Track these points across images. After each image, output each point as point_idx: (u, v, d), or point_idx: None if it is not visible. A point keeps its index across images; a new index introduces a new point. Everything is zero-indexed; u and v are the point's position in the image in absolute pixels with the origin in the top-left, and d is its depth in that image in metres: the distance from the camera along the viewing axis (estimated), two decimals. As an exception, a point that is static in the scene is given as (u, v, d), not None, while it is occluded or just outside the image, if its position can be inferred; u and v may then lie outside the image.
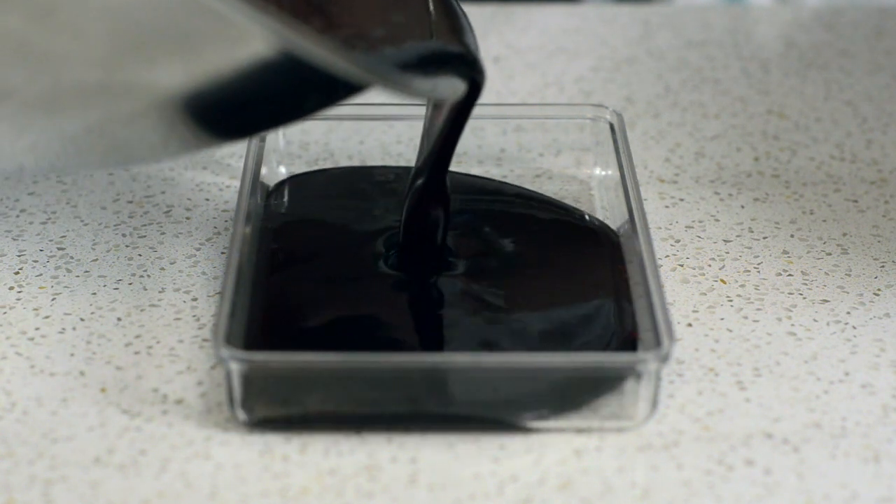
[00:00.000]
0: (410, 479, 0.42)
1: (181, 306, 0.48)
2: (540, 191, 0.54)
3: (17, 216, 0.53)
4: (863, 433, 0.44)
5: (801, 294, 0.49)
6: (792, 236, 0.53)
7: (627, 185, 0.50)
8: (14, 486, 0.41)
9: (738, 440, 0.43)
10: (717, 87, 0.63)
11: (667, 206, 0.54)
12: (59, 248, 0.51)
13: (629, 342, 0.45)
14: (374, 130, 0.58)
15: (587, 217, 0.52)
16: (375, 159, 0.57)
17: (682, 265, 0.51)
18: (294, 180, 0.54)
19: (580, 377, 0.44)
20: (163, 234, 0.52)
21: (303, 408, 0.44)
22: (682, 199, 0.55)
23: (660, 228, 0.53)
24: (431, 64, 0.44)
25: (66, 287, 0.49)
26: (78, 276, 0.50)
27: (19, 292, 0.49)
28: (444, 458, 0.43)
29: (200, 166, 0.56)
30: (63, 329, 0.47)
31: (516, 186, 0.55)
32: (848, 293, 0.50)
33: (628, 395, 0.43)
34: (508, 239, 0.50)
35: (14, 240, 0.52)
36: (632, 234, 0.48)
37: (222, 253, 0.51)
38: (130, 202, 0.54)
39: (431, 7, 0.46)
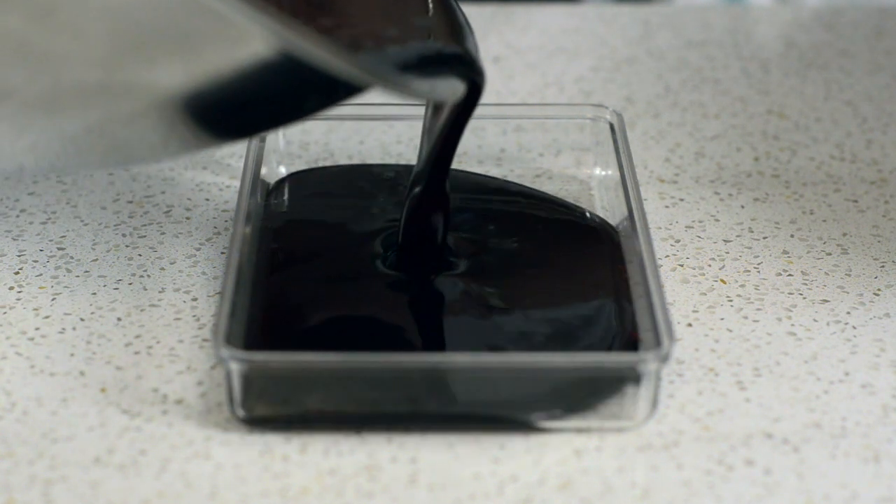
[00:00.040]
0: (410, 479, 0.42)
1: (181, 306, 0.48)
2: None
3: (17, 216, 0.53)
4: (863, 433, 0.44)
5: (801, 294, 0.49)
6: (792, 236, 0.53)
7: (627, 185, 0.50)
8: (14, 486, 0.41)
9: (738, 440, 0.43)
10: (717, 87, 0.63)
11: (667, 206, 0.54)
12: (59, 248, 0.51)
13: (631, 344, 0.45)
14: (374, 130, 0.58)
15: (588, 214, 0.52)
16: (375, 159, 0.57)
17: (682, 265, 0.51)
18: (294, 177, 0.54)
19: (583, 378, 0.44)
20: (163, 234, 0.52)
21: (303, 408, 0.44)
22: (682, 199, 0.55)
23: (660, 228, 0.53)
24: (430, 65, 0.44)
25: (66, 287, 0.49)
26: (78, 276, 0.50)
27: (19, 292, 0.49)
28: (444, 458, 0.43)
29: (200, 166, 0.56)
30: (63, 329, 0.47)
31: (516, 184, 0.55)
32: (848, 293, 0.50)
33: (628, 395, 0.43)
34: (509, 238, 0.50)
35: (14, 240, 0.52)
36: (632, 234, 0.48)
37: (222, 253, 0.51)
38: (130, 202, 0.54)
39: (431, 8, 0.46)
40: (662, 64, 0.65)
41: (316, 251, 0.50)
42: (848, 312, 0.49)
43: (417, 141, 0.49)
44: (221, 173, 0.56)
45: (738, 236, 0.52)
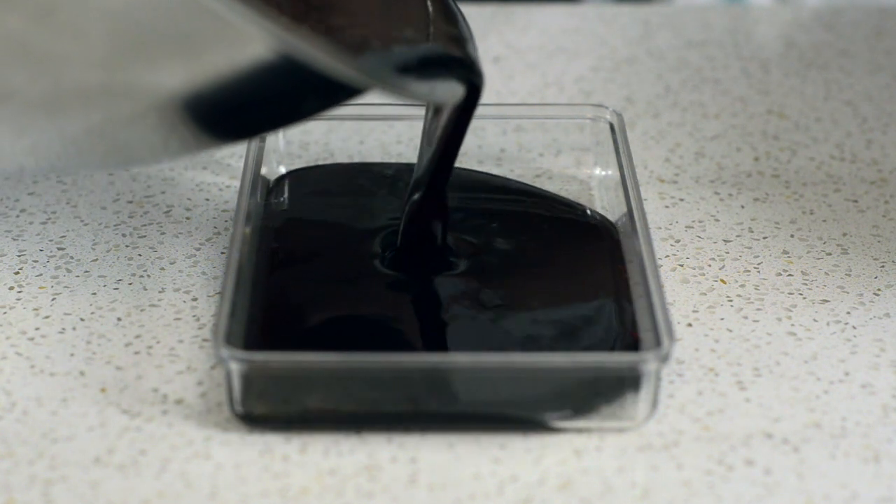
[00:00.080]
0: (410, 479, 0.42)
1: (181, 306, 0.48)
2: (540, 191, 0.54)
3: (17, 216, 0.53)
4: (863, 433, 0.44)
5: (801, 294, 0.49)
6: (792, 236, 0.53)
7: (627, 185, 0.50)
8: (14, 486, 0.41)
9: (738, 440, 0.43)
10: (717, 87, 0.63)
11: (667, 206, 0.54)
12: (59, 248, 0.51)
13: (631, 344, 0.45)
14: (374, 130, 0.58)
15: (589, 212, 0.52)
16: (375, 159, 0.57)
17: (682, 265, 0.51)
18: (293, 175, 0.54)
19: (584, 378, 0.44)
20: (163, 234, 0.52)
21: (303, 408, 0.44)
22: (682, 199, 0.55)
23: (660, 228, 0.53)
24: (429, 67, 0.44)
25: (66, 287, 0.49)
26: (78, 276, 0.50)
27: (19, 292, 0.49)
28: (444, 458, 0.43)
29: (200, 166, 0.56)
30: (63, 329, 0.47)
31: (515, 181, 0.55)
32: (848, 293, 0.50)
33: (628, 395, 0.43)
34: (508, 237, 0.50)
35: (14, 240, 0.52)
36: (632, 234, 0.48)
37: (222, 253, 0.51)
38: (130, 202, 0.54)
39: (430, 10, 0.46)
40: (662, 64, 0.65)
41: (316, 250, 0.50)
42: (848, 312, 0.49)
43: (417, 141, 0.49)
44: (221, 173, 0.56)
45: (738, 236, 0.52)
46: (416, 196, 0.48)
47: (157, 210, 0.53)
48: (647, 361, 0.43)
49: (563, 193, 0.54)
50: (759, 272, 0.51)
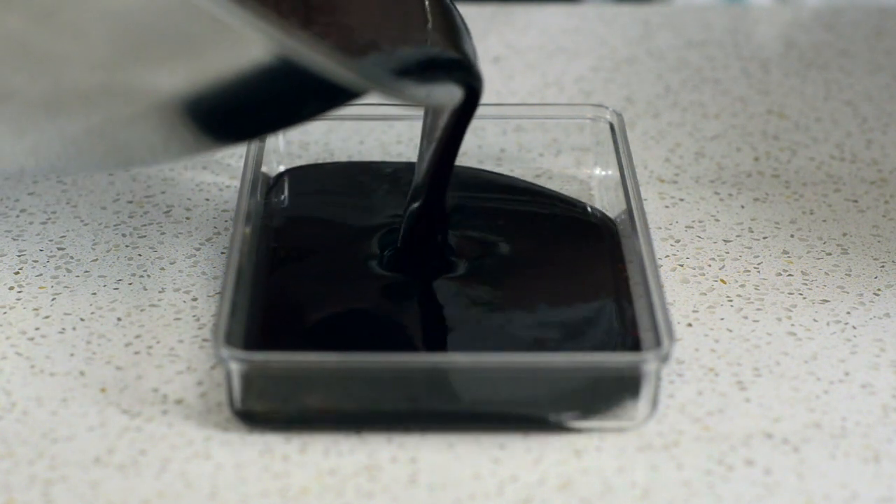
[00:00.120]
0: (410, 479, 0.42)
1: (181, 306, 0.48)
2: (540, 191, 0.54)
3: (17, 216, 0.53)
4: (863, 433, 0.44)
5: (801, 294, 0.49)
6: (792, 236, 0.53)
7: (627, 185, 0.50)
8: (14, 486, 0.41)
9: (738, 440, 0.43)
10: (717, 87, 0.63)
11: (667, 206, 0.54)
12: (59, 248, 0.51)
13: (631, 344, 0.45)
14: (374, 130, 0.58)
15: (589, 209, 0.52)
16: (375, 159, 0.57)
17: (682, 265, 0.51)
18: (293, 173, 0.54)
19: (584, 378, 0.44)
20: (163, 234, 0.52)
21: (303, 407, 0.44)
22: (682, 199, 0.55)
23: (660, 228, 0.53)
24: (428, 70, 0.44)
25: (66, 287, 0.49)
26: (78, 276, 0.50)
27: (19, 292, 0.49)
28: (444, 458, 0.43)
29: (200, 166, 0.56)
30: (63, 329, 0.47)
31: (514, 178, 0.55)
32: (848, 293, 0.50)
33: (628, 395, 0.43)
34: (509, 236, 0.50)
35: (14, 240, 0.52)
36: (632, 234, 0.48)
37: (222, 253, 0.51)
38: (130, 202, 0.54)
39: (429, 13, 0.46)
40: (662, 64, 0.65)
41: (316, 250, 0.50)
42: (848, 312, 0.49)
43: (417, 141, 0.49)
44: (221, 173, 0.56)
45: (738, 236, 0.52)
46: (416, 198, 0.48)
47: (157, 210, 0.53)
48: (647, 361, 0.43)
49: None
50: (759, 272, 0.51)
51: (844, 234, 0.53)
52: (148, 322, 0.48)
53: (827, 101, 0.62)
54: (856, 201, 0.55)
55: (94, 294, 0.49)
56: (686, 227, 0.53)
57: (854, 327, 0.48)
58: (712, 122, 0.60)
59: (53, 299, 0.49)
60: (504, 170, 0.56)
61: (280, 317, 0.47)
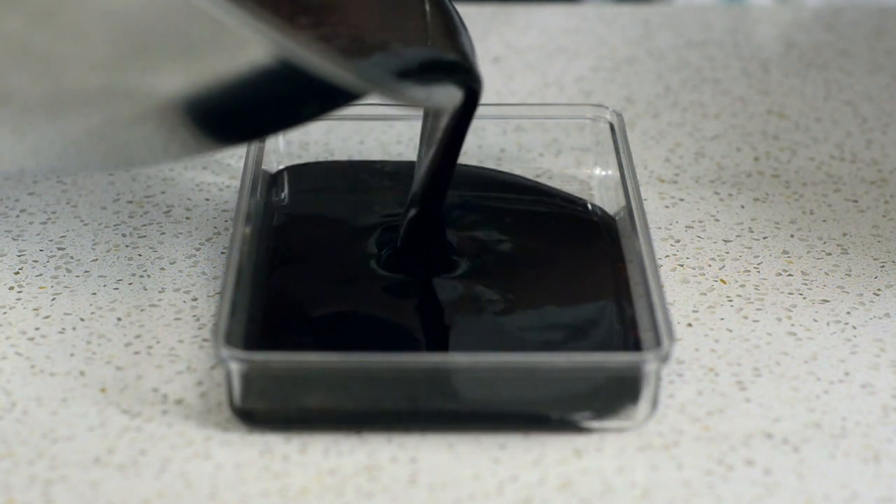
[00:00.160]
0: (410, 479, 0.42)
1: (181, 306, 0.48)
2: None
3: (17, 216, 0.53)
4: (863, 433, 0.44)
5: (801, 294, 0.49)
6: (792, 236, 0.53)
7: (627, 185, 0.50)
8: (14, 486, 0.41)
9: (738, 440, 0.43)
10: (717, 87, 0.63)
11: (667, 206, 0.54)
12: (59, 248, 0.51)
13: (632, 344, 0.45)
14: (374, 130, 0.58)
15: (590, 206, 0.52)
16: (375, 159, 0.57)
17: (682, 265, 0.51)
18: (292, 171, 0.54)
19: (584, 378, 0.44)
20: (163, 234, 0.52)
21: (303, 407, 0.44)
22: (682, 199, 0.55)
23: (660, 228, 0.53)
24: (428, 72, 0.44)
25: (66, 287, 0.49)
26: (78, 276, 0.50)
27: (19, 292, 0.49)
28: (444, 458, 0.43)
29: (200, 166, 0.56)
30: (63, 329, 0.47)
31: (514, 175, 0.55)
32: (848, 293, 0.50)
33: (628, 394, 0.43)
34: (509, 235, 0.50)
35: (14, 240, 0.52)
36: (632, 234, 0.48)
37: (222, 253, 0.51)
38: (130, 202, 0.54)
39: (428, 15, 0.46)
40: (662, 64, 0.65)
41: (316, 249, 0.50)
42: (848, 312, 0.49)
43: (417, 141, 0.49)
44: (221, 173, 0.56)
45: (738, 236, 0.52)
46: (416, 200, 0.48)
47: (157, 210, 0.53)
48: (647, 361, 0.43)
49: (562, 193, 0.54)
50: (759, 272, 0.51)
51: (844, 234, 0.53)
52: (148, 322, 0.48)
53: (827, 101, 0.62)
54: (856, 201, 0.55)
55: (94, 294, 0.49)
56: (686, 227, 0.53)
57: (854, 327, 0.48)
58: (712, 122, 0.60)
59: (53, 299, 0.49)
60: (504, 170, 0.56)
61: (280, 317, 0.47)
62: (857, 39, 0.67)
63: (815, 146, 0.59)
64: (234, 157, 0.56)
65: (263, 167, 0.52)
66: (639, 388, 0.43)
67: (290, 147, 0.56)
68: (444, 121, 0.46)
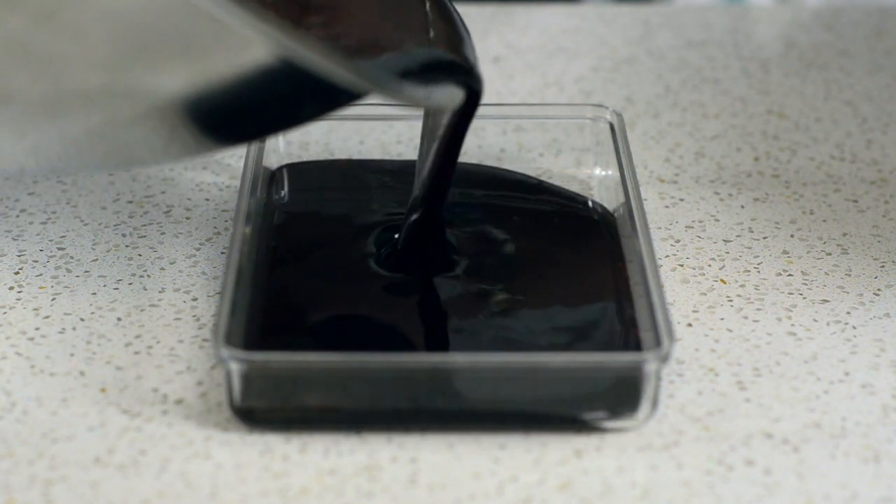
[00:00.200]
0: (410, 479, 0.42)
1: (181, 306, 0.48)
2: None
3: (17, 216, 0.53)
4: (863, 433, 0.44)
5: (801, 294, 0.49)
6: (792, 236, 0.53)
7: (627, 185, 0.50)
8: (14, 486, 0.41)
9: (738, 440, 0.43)
10: (717, 87, 0.63)
11: (667, 206, 0.54)
12: (59, 248, 0.51)
13: (632, 343, 0.45)
14: (374, 130, 0.58)
15: (590, 204, 0.52)
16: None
17: (682, 265, 0.51)
18: (292, 169, 0.54)
19: (584, 378, 0.44)
20: (163, 234, 0.52)
21: (303, 407, 0.44)
22: (682, 199, 0.55)
23: (660, 228, 0.53)
24: (429, 72, 0.44)
25: (66, 287, 0.49)
26: (78, 276, 0.50)
27: (19, 292, 0.49)
28: (444, 458, 0.43)
29: (200, 166, 0.56)
30: (63, 329, 0.47)
31: (514, 172, 0.55)
32: (848, 293, 0.50)
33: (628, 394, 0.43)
34: (509, 234, 0.50)
35: (14, 240, 0.52)
36: (632, 234, 0.48)
37: (222, 253, 0.51)
38: (130, 202, 0.54)
39: (429, 15, 0.46)
40: (662, 64, 0.65)
41: (316, 248, 0.50)
42: (848, 312, 0.49)
43: (417, 141, 0.49)
44: (221, 173, 0.56)
45: (738, 236, 0.52)
46: (417, 199, 0.48)
47: (157, 210, 0.53)
48: (647, 361, 0.43)
49: (563, 193, 0.54)
50: (759, 272, 0.51)
51: (844, 234, 0.53)
52: (148, 322, 0.48)
53: (827, 101, 0.62)
54: (856, 201, 0.55)
55: (94, 294, 0.49)
56: (686, 227, 0.53)
57: (854, 327, 0.48)
58: (712, 122, 0.60)
59: (53, 299, 0.49)
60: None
61: (280, 317, 0.47)
62: (857, 39, 0.67)
63: (815, 146, 0.59)
64: (234, 157, 0.56)
65: (263, 166, 0.52)
66: (639, 388, 0.43)
67: (290, 147, 0.56)
68: (444, 120, 0.46)
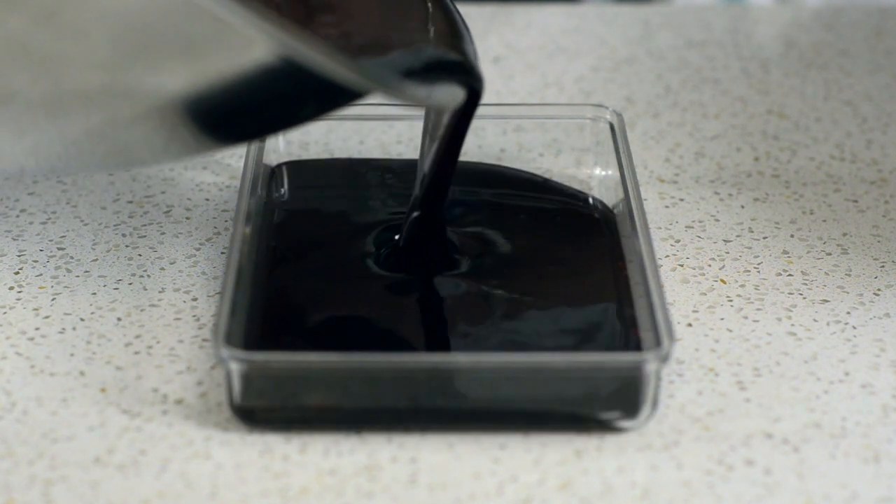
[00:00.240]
0: (410, 479, 0.42)
1: (181, 306, 0.48)
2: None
3: (17, 216, 0.53)
4: (863, 433, 0.44)
5: (801, 294, 0.49)
6: (792, 236, 0.53)
7: (627, 185, 0.50)
8: (14, 486, 0.41)
9: (738, 440, 0.43)
10: (717, 87, 0.63)
11: (667, 206, 0.54)
12: (59, 248, 0.51)
13: (632, 343, 0.45)
14: (374, 130, 0.58)
15: (591, 201, 0.52)
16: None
17: (682, 265, 0.51)
18: (291, 167, 0.54)
19: (583, 378, 0.44)
20: (163, 234, 0.52)
21: (303, 407, 0.44)
22: (682, 199, 0.55)
23: (660, 228, 0.53)
24: (430, 71, 0.44)
25: (66, 287, 0.49)
26: (78, 276, 0.50)
27: (19, 292, 0.49)
28: (444, 458, 0.43)
29: (200, 166, 0.56)
30: (63, 329, 0.47)
31: (514, 170, 0.55)
32: (848, 293, 0.50)
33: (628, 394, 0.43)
34: (509, 233, 0.50)
35: (14, 240, 0.52)
36: (632, 234, 0.48)
37: (222, 253, 0.51)
38: (130, 202, 0.54)
39: (430, 14, 0.46)
40: (662, 64, 0.65)
41: (316, 248, 0.50)
42: (848, 312, 0.49)
43: (417, 141, 0.49)
44: (221, 173, 0.56)
45: (738, 236, 0.52)
46: (419, 198, 0.48)
47: (157, 210, 0.53)
48: (647, 361, 0.43)
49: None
50: (759, 272, 0.51)
51: (844, 234, 0.53)
52: (148, 322, 0.48)
53: (827, 101, 0.62)
54: (856, 201, 0.55)
55: (94, 294, 0.49)
56: (686, 227, 0.53)
57: (854, 327, 0.48)
58: (712, 122, 0.60)
59: (53, 299, 0.49)
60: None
61: (280, 316, 0.47)
62: (857, 39, 0.67)
63: (815, 146, 0.59)
64: (234, 157, 0.56)
65: (264, 164, 0.52)
66: (639, 388, 0.43)
67: (290, 146, 0.56)
68: (445, 119, 0.46)
